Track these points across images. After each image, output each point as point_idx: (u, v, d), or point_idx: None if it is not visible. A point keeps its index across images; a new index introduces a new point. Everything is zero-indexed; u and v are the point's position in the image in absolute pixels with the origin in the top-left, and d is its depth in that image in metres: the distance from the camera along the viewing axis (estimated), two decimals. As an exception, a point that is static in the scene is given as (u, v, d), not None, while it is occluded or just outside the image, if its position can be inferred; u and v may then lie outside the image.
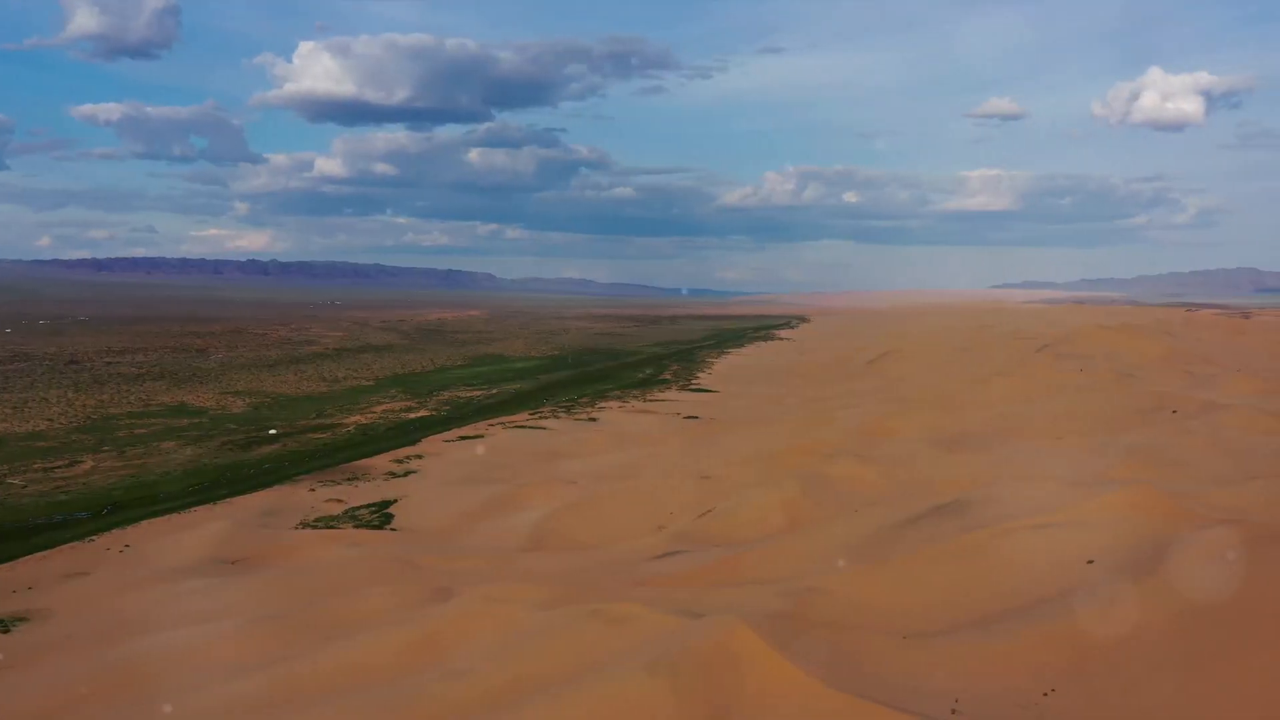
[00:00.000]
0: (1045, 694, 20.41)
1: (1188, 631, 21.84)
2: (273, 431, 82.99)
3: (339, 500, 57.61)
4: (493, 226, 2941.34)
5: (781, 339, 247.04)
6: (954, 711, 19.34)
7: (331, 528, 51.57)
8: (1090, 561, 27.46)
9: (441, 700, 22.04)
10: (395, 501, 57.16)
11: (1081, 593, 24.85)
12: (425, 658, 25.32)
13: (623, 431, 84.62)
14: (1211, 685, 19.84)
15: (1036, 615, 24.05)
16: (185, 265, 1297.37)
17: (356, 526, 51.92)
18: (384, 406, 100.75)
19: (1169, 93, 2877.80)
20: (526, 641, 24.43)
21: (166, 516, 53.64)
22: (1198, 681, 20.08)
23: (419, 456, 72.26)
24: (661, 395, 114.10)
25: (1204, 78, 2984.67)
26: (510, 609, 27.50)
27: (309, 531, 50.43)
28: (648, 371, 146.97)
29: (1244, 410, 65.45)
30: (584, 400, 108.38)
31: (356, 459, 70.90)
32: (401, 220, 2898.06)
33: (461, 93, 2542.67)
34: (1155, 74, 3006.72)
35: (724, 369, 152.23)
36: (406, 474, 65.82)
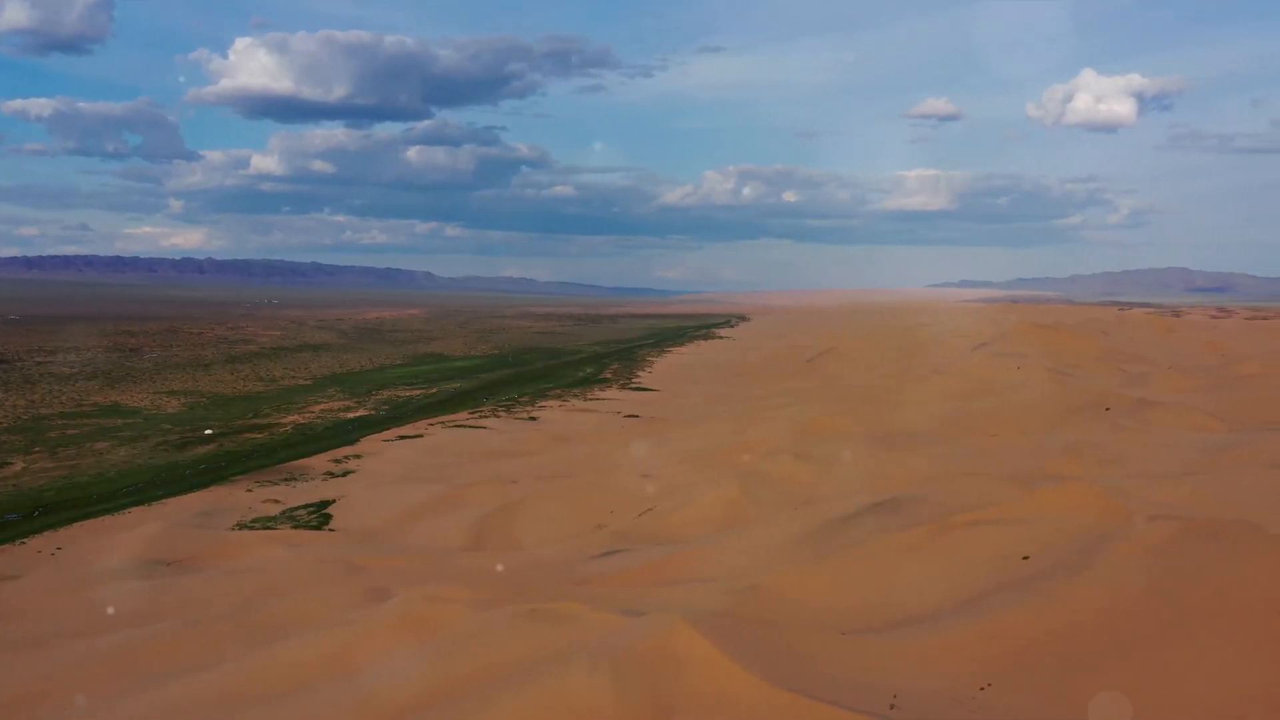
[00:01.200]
0: (982, 688, 20.59)
1: (1122, 625, 22.12)
2: (209, 432, 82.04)
3: (276, 501, 57.07)
4: (432, 225, 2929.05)
5: (722, 338, 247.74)
6: (893, 707, 19.46)
7: (269, 528, 51.07)
8: (1026, 557, 27.74)
9: (379, 702, 21.85)
10: (334, 502, 56.71)
11: (1018, 588, 25.11)
12: (363, 659, 25.07)
13: (563, 430, 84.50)
14: (1146, 677, 20.11)
15: (974, 611, 24.26)
16: (119, 263, 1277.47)
17: (294, 527, 51.46)
18: (322, 406, 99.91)
19: (1102, 95, 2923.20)
20: (466, 642, 24.27)
21: (100, 518, 52.89)
22: (1132, 674, 20.35)
23: (357, 456, 71.75)
24: (602, 394, 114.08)
25: (1136, 80, 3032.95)
26: (449, 609, 27.31)
27: (246, 532, 49.89)
28: (588, 370, 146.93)
29: (1176, 407, 66.66)
30: (524, 399, 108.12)
31: (294, 459, 70.29)
32: (339, 219, 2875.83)
33: (400, 90, 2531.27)
34: (1089, 76, 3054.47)
35: (664, 368, 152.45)
36: (345, 474, 65.32)
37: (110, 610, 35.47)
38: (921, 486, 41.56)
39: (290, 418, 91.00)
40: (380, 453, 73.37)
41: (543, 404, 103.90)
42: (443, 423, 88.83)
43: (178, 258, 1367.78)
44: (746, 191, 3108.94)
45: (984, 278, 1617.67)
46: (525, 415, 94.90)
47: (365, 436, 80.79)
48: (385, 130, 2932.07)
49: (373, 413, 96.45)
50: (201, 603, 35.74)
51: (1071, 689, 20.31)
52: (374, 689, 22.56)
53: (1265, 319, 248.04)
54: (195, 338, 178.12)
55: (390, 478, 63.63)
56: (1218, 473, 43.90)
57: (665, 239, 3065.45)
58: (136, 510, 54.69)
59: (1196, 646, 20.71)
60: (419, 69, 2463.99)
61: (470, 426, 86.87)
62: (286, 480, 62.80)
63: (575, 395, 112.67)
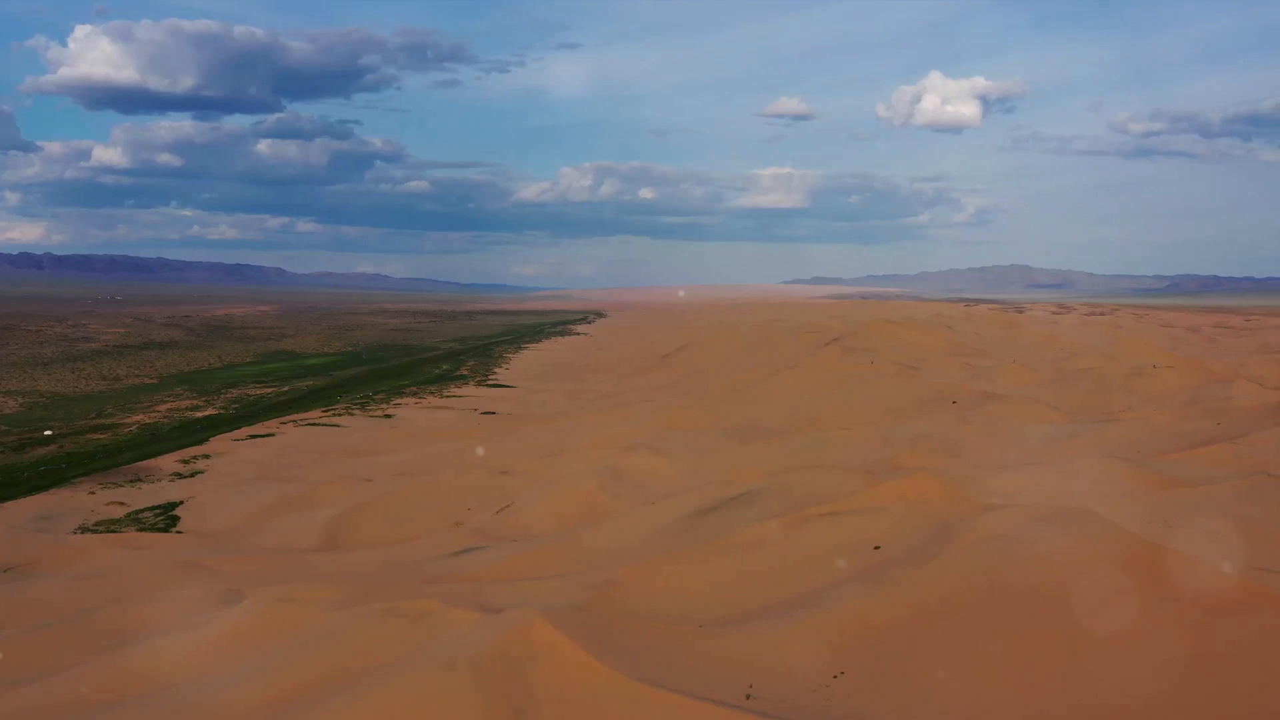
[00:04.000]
0: (835, 676, 21.02)
1: (968, 611, 22.80)
2: (49, 432, 79.18)
3: (121, 503, 55.42)
4: (283, 220, 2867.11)
5: (579, 334, 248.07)
6: (748, 697, 19.75)
7: (114, 531, 49.59)
8: (877, 547, 28.39)
9: (231, 705, 21.39)
10: (182, 503, 55.32)
11: (869, 577, 25.68)
12: (214, 662, 24.50)
13: (419, 428, 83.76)
14: (990, 659, 20.79)
15: (827, 601, 24.72)
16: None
17: (140, 529, 50.05)
18: (169, 405, 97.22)
19: (948, 96, 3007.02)
20: (320, 642, 23.89)
21: (-69, 524, 50.65)
22: (978, 657, 21.01)
23: (206, 456, 70.06)
24: (459, 391, 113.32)
25: (980, 83, 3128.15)
26: (303, 610, 26.85)
27: (89, 536, 48.32)
28: (444, 367, 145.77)
29: (1018, 400, 69.03)
30: (379, 397, 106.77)
31: (140, 460, 68.29)
32: (187, 213, 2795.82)
33: (250, 82, 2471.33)
34: (935, 78, 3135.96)
35: (521, 364, 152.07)
36: (194, 474, 63.73)
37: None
38: (775, 479, 42.23)
39: (135, 417, 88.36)
40: (230, 452, 71.77)
41: (398, 401, 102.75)
42: (295, 421, 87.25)
43: (14, 253, 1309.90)
44: (604, 188, 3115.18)
45: (836, 274, 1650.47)
46: (380, 413, 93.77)
47: (214, 436, 78.88)
48: (235, 123, 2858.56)
49: (222, 412, 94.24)
50: (41, 609, 34.45)
51: (921, 674, 20.89)
52: (225, 693, 22.07)
53: (1102, 314, 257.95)
54: (34, 336, 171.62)
55: (241, 478, 62.31)
56: (1057, 462, 45.57)
57: (522, 235, 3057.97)
58: (-30, 515, 52.56)
59: (1039, 630, 21.49)
60: (270, 60, 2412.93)
61: (324, 425, 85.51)
62: (132, 482, 61.00)
63: (431, 392, 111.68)
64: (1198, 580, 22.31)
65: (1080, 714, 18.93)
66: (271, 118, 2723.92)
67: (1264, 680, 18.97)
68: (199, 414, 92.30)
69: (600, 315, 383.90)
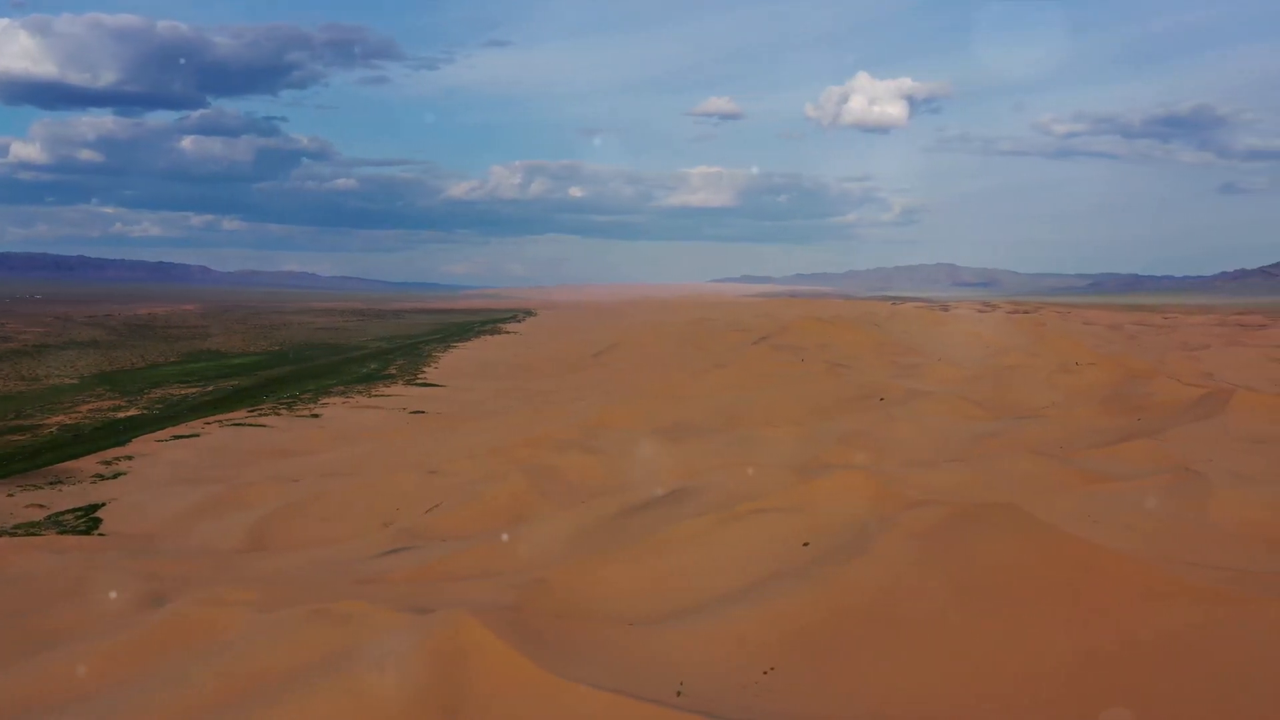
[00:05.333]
0: (765, 672, 21.16)
1: (896, 606, 23.07)
2: (-36, 434, 77.49)
3: (41, 505, 54.37)
4: (208, 217, 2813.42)
5: (508, 333, 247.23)
6: (679, 694, 19.81)
7: (33, 534, 48.62)
8: (806, 544, 28.62)
9: (153, 711, 21.08)
10: (104, 505, 54.38)
11: (798, 574, 25.88)
12: (138, 667, 24.14)
13: (347, 428, 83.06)
14: (919, 655, 21.06)
15: (756, 597, 24.88)
16: None
17: (61, 532, 49.10)
18: (90, 406, 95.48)
19: (875, 97, 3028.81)
20: (246, 645, 23.61)
21: None
22: (906, 652, 21.26)
23: (130, 457, 68.95)
24: (387, 390, 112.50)
25: (907, 83, 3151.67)
26: (229, 612, 26.52)
27: (6, 539, 47.31)
28: (372, 366, 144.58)
29: (944, 397, 69.87)
30: (306, 396, 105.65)
31: (61, 461, 67.02)
32: (108, 210, 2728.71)
33: (174, 77, 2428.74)
34: (863, 78, 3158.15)
35: (451, 363, 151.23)
36: (116, 476, 62.71)
37: None
38: (706, 477, 42.42)
39: (56, 418, 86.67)
40: (154, 453, 70.69)
41: (326, 401, 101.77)
42: (221, 421, 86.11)
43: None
44: (533, 186, 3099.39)
45: (765, 273, 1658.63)
46: (308, 413, 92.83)
47: (138, 437, 77.58)
48: (158, 119, 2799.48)
49: (145, 412, 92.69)
50: (-42, 615, 33.76)
51: (850, 670, 21.09)
52: (150, 697, 21.74)
53: (1026, 312, 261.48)
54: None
55: (165, 479, 61.39)
56: (982, 459, 46.25)
57: (452, 234, 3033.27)
58: (-117, 519, 51.31)
59: (966, 625, 21.78)
60: (194, 56, 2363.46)
61: (250, 425, 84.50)
62: (52, 484, 59.87)
63: (359, 392, 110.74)
64: (1120, 574, 22.75)
65: (1005, 707, 19.22)
66: (196, 114, 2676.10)
67: (1182, 669, 19.37)
68: (121, 414, 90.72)
69: (530, 314, 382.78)
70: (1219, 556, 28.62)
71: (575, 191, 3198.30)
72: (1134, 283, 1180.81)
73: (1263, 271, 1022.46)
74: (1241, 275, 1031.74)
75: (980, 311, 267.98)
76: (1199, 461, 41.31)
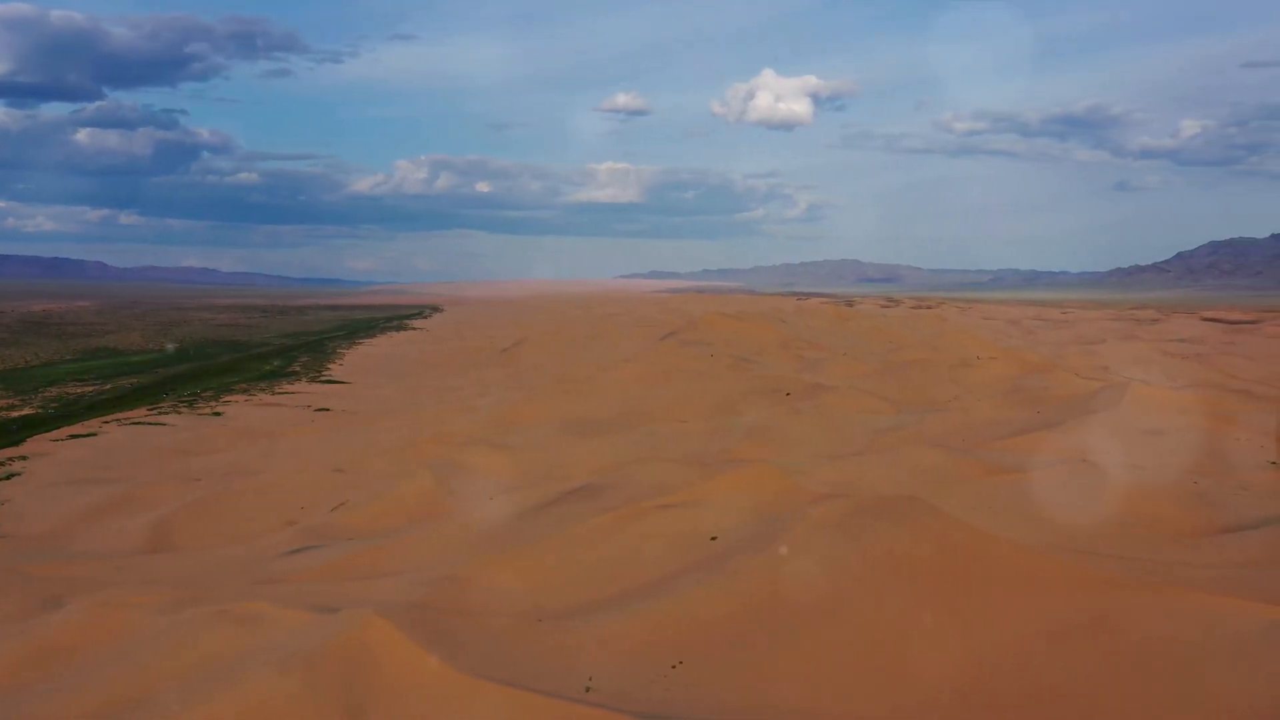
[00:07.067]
0: (674, 666, 21.28)
1: (801, 600, 23.32)
2: None
3: (-70, 508, 52.83)
4: (104, 212, 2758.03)
5: (414, 329, 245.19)
6: (588, 690, 19.86)
7: (-79, 538, 47.25)
8: (714, 538, 28.80)
9: (55, 716, 20.65)
10: (-3, 507, 53.01)
11: (706, 568, 26.05)
12: (35, 673, 23.60)
13: (250, 426, 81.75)
14: (825, 648, 21.32)
15: (664, 592, 25.00)
16: None
17: (-49, 536, 47.79)
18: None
19: (781, 94, 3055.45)
20: (148, 648, 23.20)
21: None
22: (811, 646, 21.51)
23: (24, 458, 67.21)
24: (291, 388, 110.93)
25: (812, 81, 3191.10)
26: (129, 615, 26.03)
27: (-106, 544, 45.98)
28: (276, 363, 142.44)
29: (848, 391, 70.76)
30: (207, 394, 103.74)
31: (-50, 463, 65.19)
32: (0, 204, 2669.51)
33: (69, 68, 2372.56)
34: (768, 76, 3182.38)
35: (356, 360, 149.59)
36: (9, 477, 61.11)
37: None
38: (613, 472, 42.52)
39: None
40: (49, 453, 68.98)
41: (228, 399, 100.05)
42: (119, 420, 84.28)
43: None
44: (439, 181, 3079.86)
45: (672, 269, 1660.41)
46: (209, 411, 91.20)
47: (32, 436, 75.65)
48: (52, 111, 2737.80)
49: (40, 411, 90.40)
50: None
51: (758, 663, 21.30)
52: (48, 704, 21.28)
53: (928, 308, 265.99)
54: None
55: (61, 479, 59.92)
56: (886, 452, 46.89)
57: (356, 229, 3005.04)
58: None
59: (871, 617, 22.10)
60: (90, 46, 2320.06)
61: (149, 424, 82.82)
62: (-59, 486, 58.25)
63: (262, 389, 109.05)
64: (1017, 564, 23.24)
65: (905, 700, 19.55)
66: (92, 106, 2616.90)
67: (1075, 655, 19.85)
68: (14, 414, 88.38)
69: (437, 310, 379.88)
70: (1114, 545, 29.41)
71: (482, 187, 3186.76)
72: (1033, 278, 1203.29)
73: (1155, 267, 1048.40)
74: (1136, 271, 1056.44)
75: (884, 307, 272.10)
76: (1096, 453, 42.36)
